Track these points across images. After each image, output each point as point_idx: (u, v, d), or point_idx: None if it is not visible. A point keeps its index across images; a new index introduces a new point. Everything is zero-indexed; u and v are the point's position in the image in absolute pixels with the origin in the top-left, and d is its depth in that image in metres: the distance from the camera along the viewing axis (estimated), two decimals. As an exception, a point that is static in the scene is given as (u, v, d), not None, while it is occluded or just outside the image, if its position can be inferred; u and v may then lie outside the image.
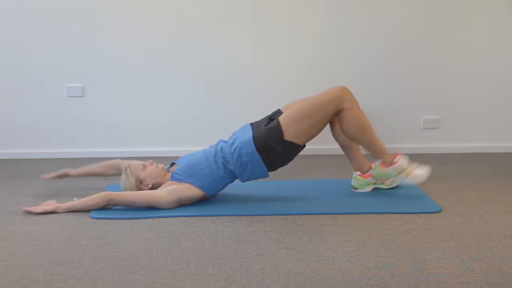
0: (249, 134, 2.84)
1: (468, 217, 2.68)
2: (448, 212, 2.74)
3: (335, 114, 2.87)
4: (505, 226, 2.56)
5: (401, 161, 2.92)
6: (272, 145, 2.79)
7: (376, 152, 2.96)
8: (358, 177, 3.05)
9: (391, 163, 2.93)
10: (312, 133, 2.85)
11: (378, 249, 2.30)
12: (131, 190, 2.86)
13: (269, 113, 3.02)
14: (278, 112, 2.97)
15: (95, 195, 2.76)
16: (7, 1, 3.80)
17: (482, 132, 4.07)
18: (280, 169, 2.94)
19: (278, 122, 2.81)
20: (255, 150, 2.79)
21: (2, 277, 2.08)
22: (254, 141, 2.80)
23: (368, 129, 2.90)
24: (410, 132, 4.05)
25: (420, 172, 2.91)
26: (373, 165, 3.01)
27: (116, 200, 2.74)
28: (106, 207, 2.75)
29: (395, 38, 3.93)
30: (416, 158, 3.89)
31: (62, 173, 3.16)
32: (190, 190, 2.81)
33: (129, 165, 2.91)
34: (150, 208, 2.77)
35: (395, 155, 2.94)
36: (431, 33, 3.92)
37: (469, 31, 3.92)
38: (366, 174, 3.04)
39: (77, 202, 2.77)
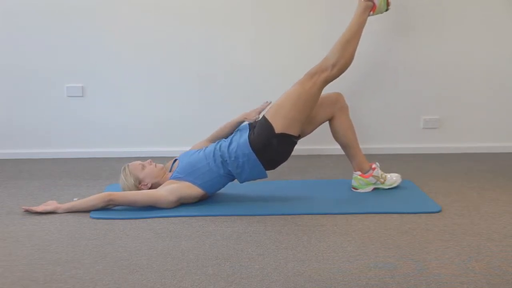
0: (245, 136, 2.84)
1: (468, 217, 2.68)
2: (448, 212, 2.75)
3: (321, 89, 2.89)
4: (505, 226, 2.56)
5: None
6: (267, 142, 2.79)
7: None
8: (359, 177, 3.05)
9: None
10: (302, 119, 2.85)
11: (378, 249, 2.30)
12: (130, 190, 2.86)
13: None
14: None
15: (95, 196, 2.76)
16: (7, 1, 3.79)
17: (482, 132, 4.07)
18: (280, 169, 2.95)
19: (265, 118, 2.83)
20: (252, 151, 2.79)
21: (2, 277, 2.08)
22: (250, 142, 2.80)
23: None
24: (410, 132, 4.05)
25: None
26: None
27: (116, 200, 2.74)
28: (107, 207, 2.75)
29: (395, 38, 3.93)
30: (416, 158, 3.91)
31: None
32: (190, 189, 2.81)
33: (127, 165, 2.91)
34: (150, 208, 2.77)
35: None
36: (432, 33, 3.92)
37: (469, 31, 3.92)
38: (367, 174, 3.04)
39: (77, 203, 2.77)
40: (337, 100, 3.03)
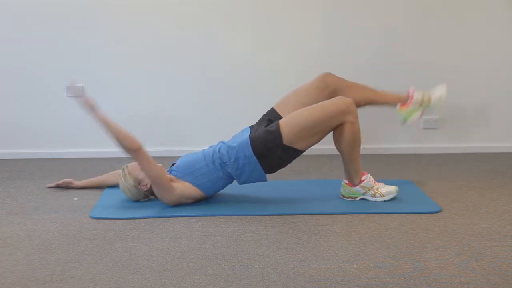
0: (246, 137, 2.83)
1: (468, 217, 2.68)
2: (448, 212, 2.75)
3: (338, 125, 2.81)
4: (505, 226, 2.56)
5: (367, 180, 2.90)
6: (270, 147, 2.77)
7: (352, 170, 2.89)
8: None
9: (359, 183, 2.91)
10: (313, 141, 2.82)
11: (378, 249, 2.30)
12: (129, 190, 2.86)
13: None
14: (273, 111, 2.98)
15: (131, 135, 2.71)
16: (7, 1, 3.80)
17: (482, 132, 4.07)
18: (281, 169, 2.94)
19: (278, 126, 2.77)
20: (252, 154, 2.77)
21: (2, 277, 2.08)
22: (251, 143, 2.78)
23: (358, 148, 2.86)
24: (410, 132, 4.05)
25: (388, 190, 2.91)
26: (342, 183, 2.97)
27: (140, 154, 2.70)
28: (128, 153, 2.70)
29: (394, 38, 3.93)
30: (416, 158, 3.91)
31: (67, 181, 3.20)
32: (190, 189, 2.82)
33: (127, 166, 2.91)
34: (150, 208, 2.78)
35: (363, 173, 2.92)
36: (431, 33, 3.92)
37: (469, 31, 3.92)
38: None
39: (113, 124, 2.74)
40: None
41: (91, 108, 2.74)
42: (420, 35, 3.92)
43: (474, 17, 3.91)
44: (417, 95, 3.09)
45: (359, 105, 2.98)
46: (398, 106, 3.12)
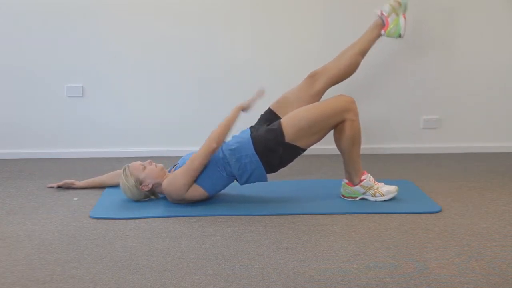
0: (247, 136, 2.84)
1: (468, 217, 2.68)
2: (448, 212, 2.75)
3: (338, 123, 2.83)
4: (505, 226, 2.56)
5: (367, 180, 2.90)
6: (272, 146, 2.77)
7: (352, 170, 2.90)
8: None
9: (359, 182, 2.91)
10: (314, 139, 2.82)
11: (378, 249, 2.30)
12: (130, 190, 2.86)
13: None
14: (270, 112, 3.00)
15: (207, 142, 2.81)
16: (7, 1, 3.80)
17: (482, 132, 4.07)
18: (281, 169, 2.94)
19: (280, 125, 2.79)
20: (254, 152, 2.78)
21: (2, 277, 2.08)
22: (253, 142, 2.79)
23: (358, 147, 2.87)
24: (410, 132, 4.05)
25: (388, 189, 2.91)
26: (342, 182, 2.97)
27: (212, 152, 2.78)
28: (212, 143, 2.79)
29: (395, 39, 3.92)
30: (416, 158, 3.91)
31: (68, 182, 3.19)
32: (194, 187, 2.81)
33: (128, 166, 2.90)
34: (150, 208, 2.78)
35: (362, 173, 2.92)
36: (431, 32, 3.92)
37: (469, 31, 3.92)
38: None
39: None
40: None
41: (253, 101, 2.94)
42: (420, 35, 3.92)
43: (474, 17, 3.90)
44: (386, 10, 3.17)
45: (358, 63, 3.14)
46: (383, 32, 3.18)
